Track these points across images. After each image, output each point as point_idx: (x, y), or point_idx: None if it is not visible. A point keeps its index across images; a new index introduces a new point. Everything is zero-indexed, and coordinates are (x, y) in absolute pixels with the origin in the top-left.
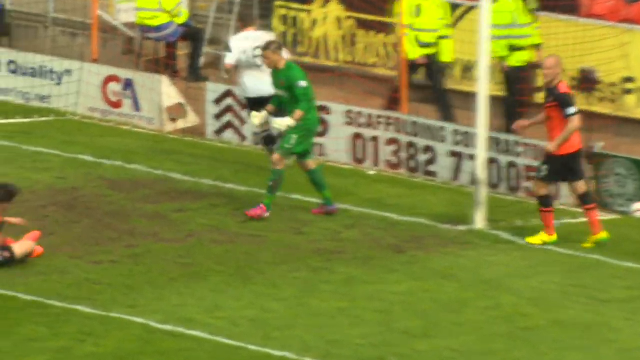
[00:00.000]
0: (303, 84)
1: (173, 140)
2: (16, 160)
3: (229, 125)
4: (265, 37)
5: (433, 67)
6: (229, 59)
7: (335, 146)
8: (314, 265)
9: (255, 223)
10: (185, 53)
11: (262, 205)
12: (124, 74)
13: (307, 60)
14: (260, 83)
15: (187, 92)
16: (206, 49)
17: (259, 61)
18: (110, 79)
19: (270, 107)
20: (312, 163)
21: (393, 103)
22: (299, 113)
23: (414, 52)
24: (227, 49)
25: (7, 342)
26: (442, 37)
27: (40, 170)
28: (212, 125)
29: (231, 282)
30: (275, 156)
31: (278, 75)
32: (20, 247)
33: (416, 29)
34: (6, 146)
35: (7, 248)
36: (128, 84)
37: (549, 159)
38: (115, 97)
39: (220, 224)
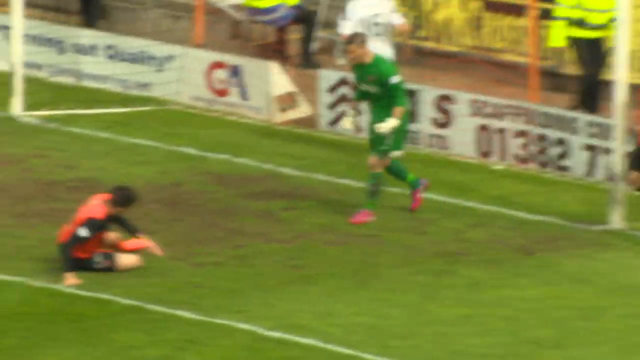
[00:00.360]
0: (397, 78)
1: (283, 132)
2: (113, 153)
3: (343, 115)
4: (384, 3)
5: (594, 52)
6: (346, 28)
7: (459, 138)
8: (436, 268)
9: (372, 222)
10: (296, 37)
11: (364, 211)
12: (231, 60)
13: (429, 45)
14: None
15: (298, 79)
16: (320, 33)
17: (378, 30)
18: (216, 65)
19: (354, 103)
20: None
21: (589, 102)
22: (399, 110)
23: (561, 39)
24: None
25: (103, 349)
26: (613, 20)
27: (140, 164)
28: (325, 116)
29: (346, 287)
30: (372, 159)
31: (365, 71)
32: (124, 260)
33: (586, 8)
34: (103, 138)
35: (109, 256)
36: (235, 71)
37: None
38: (220, 85)
39: (334, 223)
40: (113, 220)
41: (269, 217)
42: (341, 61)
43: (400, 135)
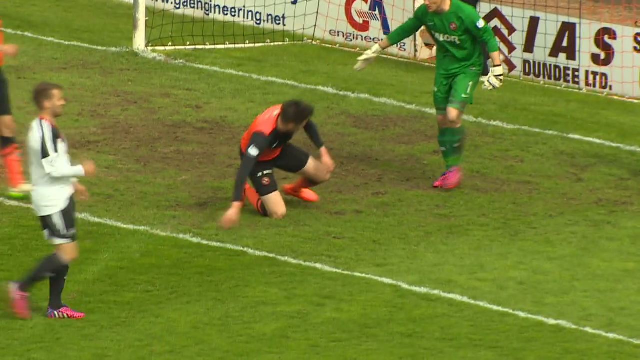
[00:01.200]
0: (482, 22)
1: (428, 69)
2: (245, 92)
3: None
4: None
5: None
6: None
7: (620, 77)
8: (595, 219)
9: (525, 167)
10: None
11: (452, 170)
12: None
13: None
14: None
15: None
16: None
17: None
18: None
19: (385, 43)
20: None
21: None
22: (497, 55)
23: None
24: None
25: (234, 305)
26: None
27: (273, 104)
28: None
29: (497, 238)
30: (453, 112)
31: (444, 19)
32: (273, 199)
33: None
34: (234, 75)
35: (273, 185)
36: (376, 3)
37: None
38: (360, 18)
39: (484, 169)
40: (288, 135)
41: (413, 162)
42: None
43: (474, 85)
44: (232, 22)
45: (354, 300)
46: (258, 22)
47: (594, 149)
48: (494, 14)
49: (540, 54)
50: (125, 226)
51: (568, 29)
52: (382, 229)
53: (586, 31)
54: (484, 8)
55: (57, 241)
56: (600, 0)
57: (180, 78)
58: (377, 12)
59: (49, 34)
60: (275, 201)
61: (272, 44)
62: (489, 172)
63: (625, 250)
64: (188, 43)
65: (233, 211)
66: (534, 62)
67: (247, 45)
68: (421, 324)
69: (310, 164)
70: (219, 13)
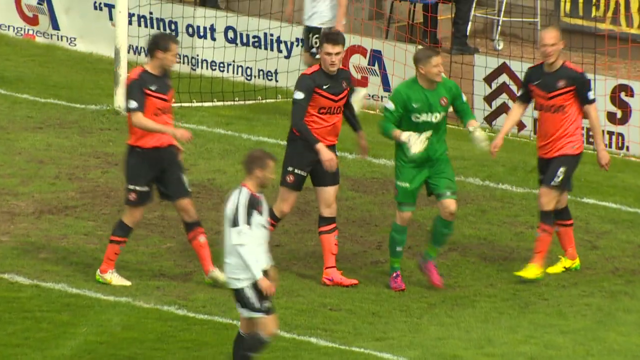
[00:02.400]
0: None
1: None
2: (235, 153)
3: (502, 108)
4: None
5: None
6: None
7: (638, 137)
8: (612, 289)
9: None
10: (447, 18)
11: (433, 262)
12: (370, 44)
13: (604, 27)
14: None
15: (450, 67)
16: (474, 13)
17: None
18: (353, 50)
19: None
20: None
21: None
22: (476, 122)
23: None
24: None
25: None
26: None
27: None
28: (481, 110)
29: (505, 310)
30: (455, 204)
31: (436, 95)
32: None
33: None
34: (223, 135)
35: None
36: (375, 57)
37: (569, 162)
38: (358, 73)
39: (492, 235)
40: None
41: (414, 229)
42: (500, 45)
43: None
44: (220, 78)
45: None
46: (248, 77)
47: (610, 214)
48: (502, 69)
49: None
50: (105, 297)
51: None
52: (382, 301)
53: (601, 88)
54: (492, 63)
55: (251, 315)
56: (617, 55)
57: None
58: (376, 67)
59: (23, 90)
60: (287, 199)
61: (264, 101)
62: (497, 239)
63: None
64: (173, 100)
65: (325, 152)
66: None
67: (236, 103)
68: None
69: (331, 190)
70: (207, 68)
